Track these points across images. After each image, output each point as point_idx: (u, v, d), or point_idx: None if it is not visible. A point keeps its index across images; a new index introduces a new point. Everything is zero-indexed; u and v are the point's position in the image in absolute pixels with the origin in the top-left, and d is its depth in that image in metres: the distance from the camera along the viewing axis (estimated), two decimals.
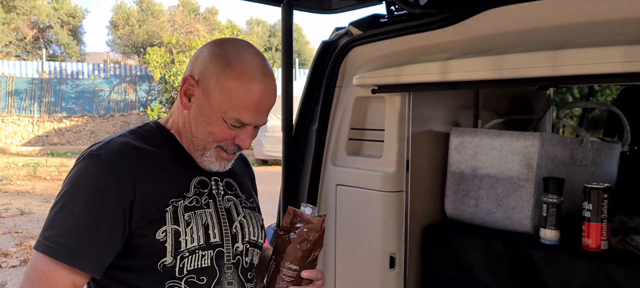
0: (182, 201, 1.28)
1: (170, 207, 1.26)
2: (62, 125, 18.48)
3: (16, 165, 13.84)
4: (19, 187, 10.69)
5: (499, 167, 1.97)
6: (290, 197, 2.23)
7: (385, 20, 2.12)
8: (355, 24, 2.16)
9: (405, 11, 1.98)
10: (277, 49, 25.53)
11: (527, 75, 1.58)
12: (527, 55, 1.56)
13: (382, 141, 2.05)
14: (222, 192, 1.38)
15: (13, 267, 5.83)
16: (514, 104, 2.45)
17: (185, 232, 1.26)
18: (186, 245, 1.26)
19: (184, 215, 1.27)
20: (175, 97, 17.89)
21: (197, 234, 1.27)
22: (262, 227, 1.44)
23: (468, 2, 1.75)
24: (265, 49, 23.51)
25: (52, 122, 18.39)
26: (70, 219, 1.20)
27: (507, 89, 2.39)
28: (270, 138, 13.40)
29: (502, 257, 1.87)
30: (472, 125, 2.32)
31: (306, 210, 1.40)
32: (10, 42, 21.10)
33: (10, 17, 18.41)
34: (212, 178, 1.38)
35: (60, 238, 1.19)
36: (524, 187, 1.90)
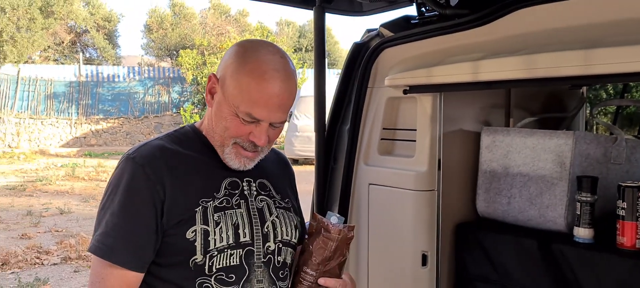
0: (212, 202, 1.32)
1: (200, 207, 1.30)
2: (98, 127, 18.97)
3: (55, 166, 14.25)
4: (58, 187, 11.02)
5: (532, 165, 1.97)
6: (323, 196, 2.27)
7: (416, 21, 2.13)
8: (386, 25, 2.18)
9: (435, 12, 1.99)
10: (307, 50, 25.63)
11: (559, 74, 1.58)
12: (559, 54, 1.56)
13: (414, 141, 2.08)
14: (255, 193, 1.40)
15: (54, 264, 6.03)
16: (547, 103, 2.44)
17: (214, 231, 1.29)
18: (215, 244, 1.29)
19: (213, 216, 1.31)
20: None
21: (227, 234, 1.31)
22: (297, 227, 1.46)
23: (499, 2, 1.76)
24: (295, 50, 23.62)
25: (89, 123, 18.89)
26: (109, 219, 1.28)
27: (539, 88, 2.38)
28: (301, 137, 13.50)
29: (536, 255, 1.87)
30: (503, 124, 2.32)
31: (331, 218, 1.42)
32: (49, 47, 21.73)
33: (48, 22, 18.94)
34: (245, 179, 1.40)
35: (103, 237, 1.28)
36: (558, 186, 1.90)
